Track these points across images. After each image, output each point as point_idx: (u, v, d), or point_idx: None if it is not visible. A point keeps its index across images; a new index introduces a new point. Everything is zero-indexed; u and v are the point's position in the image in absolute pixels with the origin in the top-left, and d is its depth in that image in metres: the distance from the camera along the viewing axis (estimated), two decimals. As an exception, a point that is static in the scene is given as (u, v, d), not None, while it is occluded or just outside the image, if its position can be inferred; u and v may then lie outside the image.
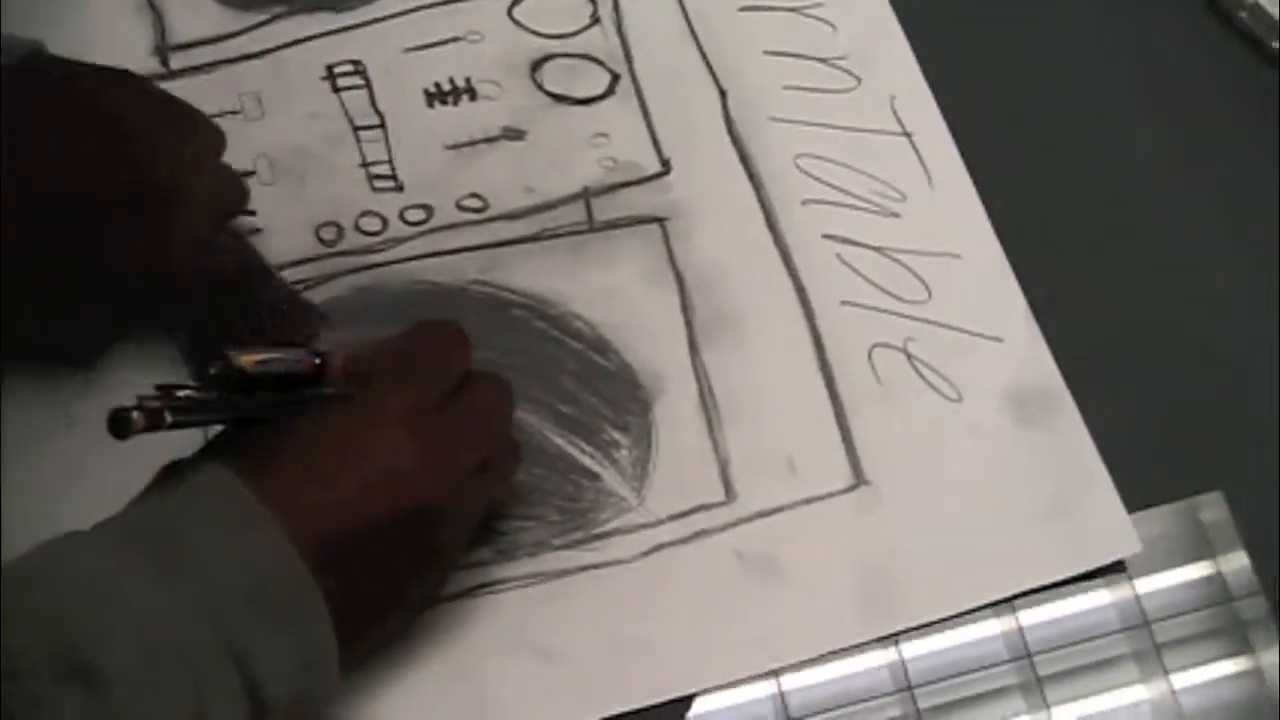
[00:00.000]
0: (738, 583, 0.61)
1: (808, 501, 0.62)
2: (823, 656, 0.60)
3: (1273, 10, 0.71)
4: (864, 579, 0.61)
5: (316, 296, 0.66)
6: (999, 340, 0.66)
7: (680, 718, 0.59)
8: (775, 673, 0.60)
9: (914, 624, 0.60)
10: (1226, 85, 0.72)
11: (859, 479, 0.63)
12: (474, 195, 0.69)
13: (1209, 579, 0.62)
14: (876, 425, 0.64)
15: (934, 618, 0.60)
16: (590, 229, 0.68)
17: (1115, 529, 0.62)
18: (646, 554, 0.61)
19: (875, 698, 0.60)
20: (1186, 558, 0.63)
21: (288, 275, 0.66)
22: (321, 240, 0.67)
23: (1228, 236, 0.69)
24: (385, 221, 0.68)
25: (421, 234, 0.68)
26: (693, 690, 0.59)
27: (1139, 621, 0.61)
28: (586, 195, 0.69)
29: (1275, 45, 0.72)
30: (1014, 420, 0.64)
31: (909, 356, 0.65)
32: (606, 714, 0.58)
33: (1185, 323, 0.67)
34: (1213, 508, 0.63)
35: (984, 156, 0.70)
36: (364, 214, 0.68)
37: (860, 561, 0.61)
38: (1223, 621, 0.62)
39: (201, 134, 0.61)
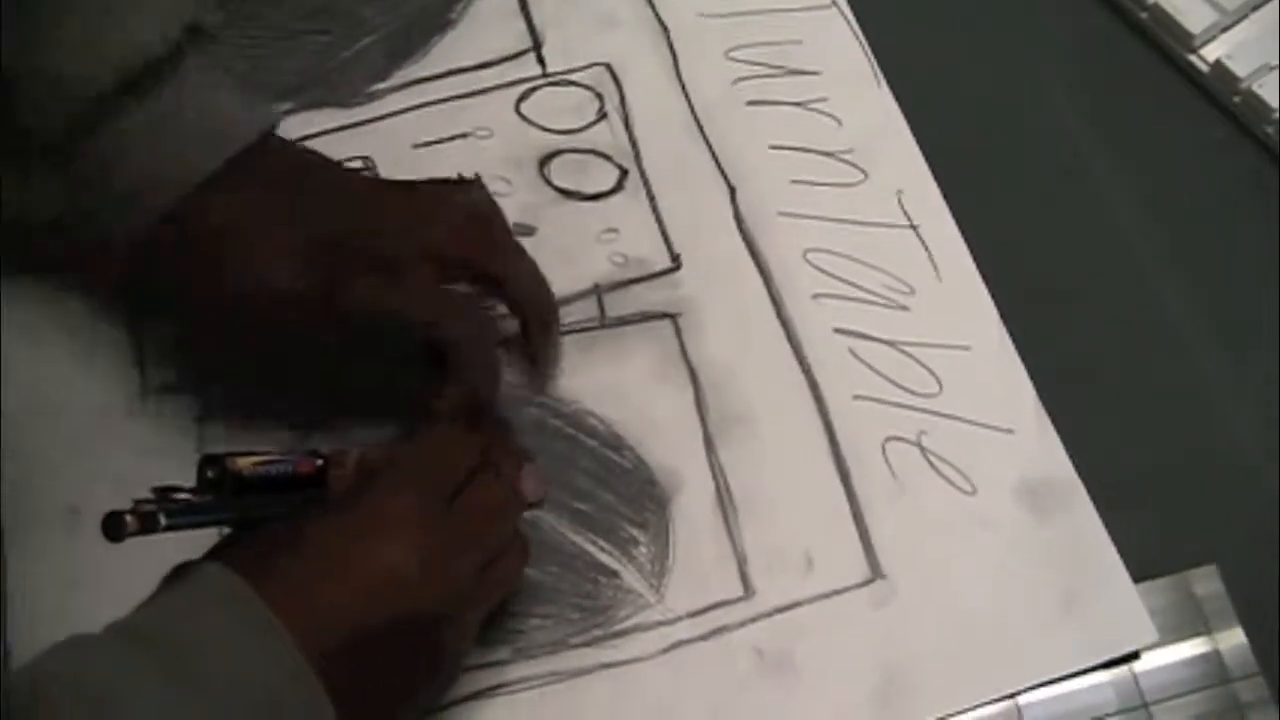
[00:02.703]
0: (756, 680, 0.61)
1: (825, 596, 0.62)
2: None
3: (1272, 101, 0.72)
4: (880, 675, 0.61)
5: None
6: (1010, 431, 0.66)
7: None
8: None
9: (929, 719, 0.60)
10: (1235, 185, 0.73)
11: (875, 573, 0.63)
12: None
13: (1206, 657, 0.62)
14: (892, 519, 0.64)
15: (948, 712, 0.60)
16: (602, 325, 0.69)
17: (1130, 618, 0.62)
18: (665, 651, 0.61)
19: None
20: (1183, 633, 0.63)
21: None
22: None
23: (1228, 327, 0.69)
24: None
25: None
26: (712, 788, 0.59)
27: (1137, 703, 0.61)
28: (598, 291, 0.70)
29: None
30: (1027, 511, 0.64)
31: (922, 450, 0.66)
32: (628, 818, 0.58)
33: (1182, 394, 0.68)
34: (1207, 581, 0.63)
35: (990, 248, 0.71)
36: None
37: (877, 657, 0.61)
38: (1222, 704, 0.62)
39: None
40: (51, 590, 0.63)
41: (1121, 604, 0.62)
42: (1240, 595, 0.63)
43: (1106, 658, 0.61)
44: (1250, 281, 0.70)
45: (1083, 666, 0.61)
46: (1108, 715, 0.62)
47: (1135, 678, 0.61)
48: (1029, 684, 0.61)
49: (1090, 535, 0.64)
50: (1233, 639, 0.62)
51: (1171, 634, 0.63)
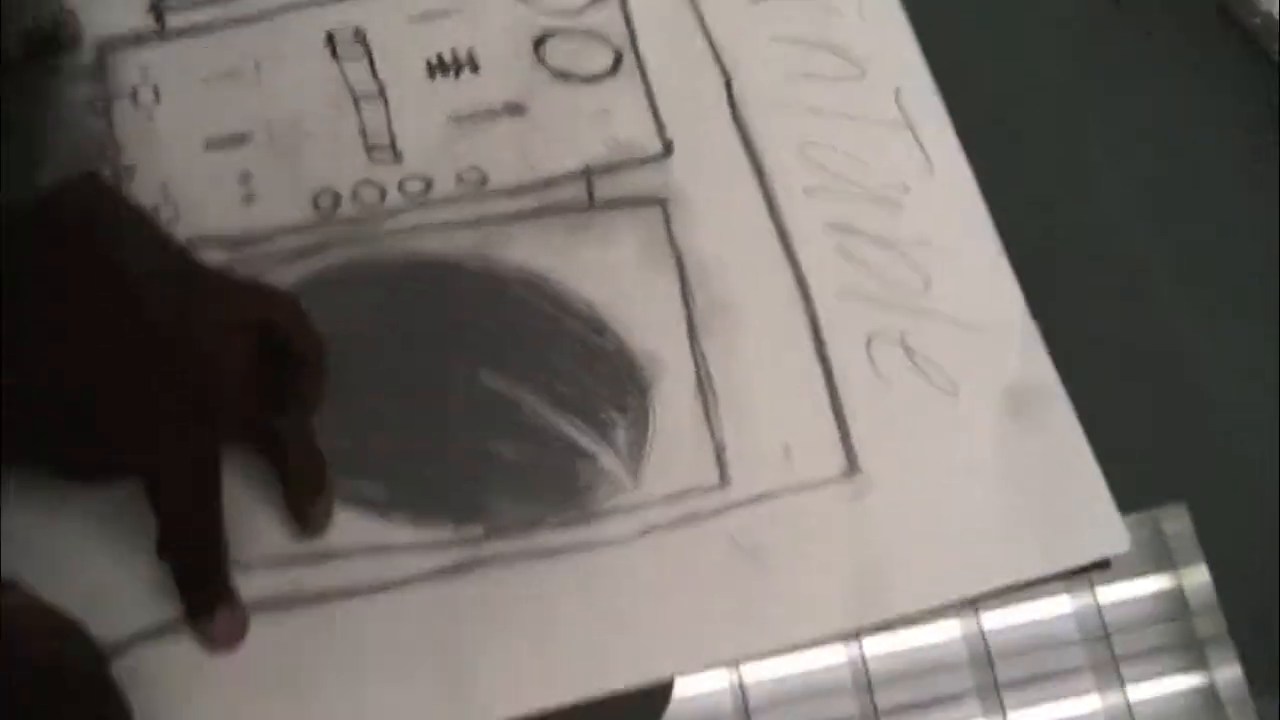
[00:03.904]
0: (729, 567, 0.61)
1: (801, 489, 0.62)
2: (811, 643, 0.60)
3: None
4: (854, 568, 0.61)
5: (310, 266, 0.66)
6: (995, 335, 0.66)
7: (665, 701, 0.59)
8: (736, 664, 0.60)
9: (902, 614, 0.60)
10: (1230, 103, 0.72)
11: (853, 468, 0.63)
12: (474, 168, 0.68)
13: (1169, 592, 0.63)
14: (872, 415, 0.64)
15: (921, 608, 0.60)
16: (590, 207, 0.68)
17: (1105, 526, 0.62)
18: (640, 535, 0.61)
19: (834, 694, 0.60)
20: (1148, 568, 0.63)
21: (282, 243, 0.66)
22: (318, 208, 0.67)
23: (1218, 258, 0.69)
24: (383, 192, 0.67)
25: (419, 206, 0.67)
26: (681, 673, 0.59)
27: (1099, 633, 0.62)
28: (588, 174, 0.69)
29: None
30: (1008, 415, 0.64)
31: (907, 349, 0.65)
32: (593, 694, 0.58)
33: (1164, 334, 0.67)
34: (1176, 519, 0.63)
35: (985, 151, 0.70)
36: (362, 183, 0.67)
37: (851, 550, 0.61)
38: (1181, 637, 0.62)
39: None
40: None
41: (1097, 511, 0.62)
42: (1207, 535, 0.63)
43: (1079, 563, 0.62)
44: (1240, 225, 0.70)
45: (1056, 570, 0.61)
46: (1070, 643, 0.62)
47: (1099, 609, 0.62)
48: (1001, 584, 0.61)
49: (1069, 442, 0.64)
50: (1197, 576, 0.63)
51: (1137, 569, 0.63)
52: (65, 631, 0.53)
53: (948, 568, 0.61)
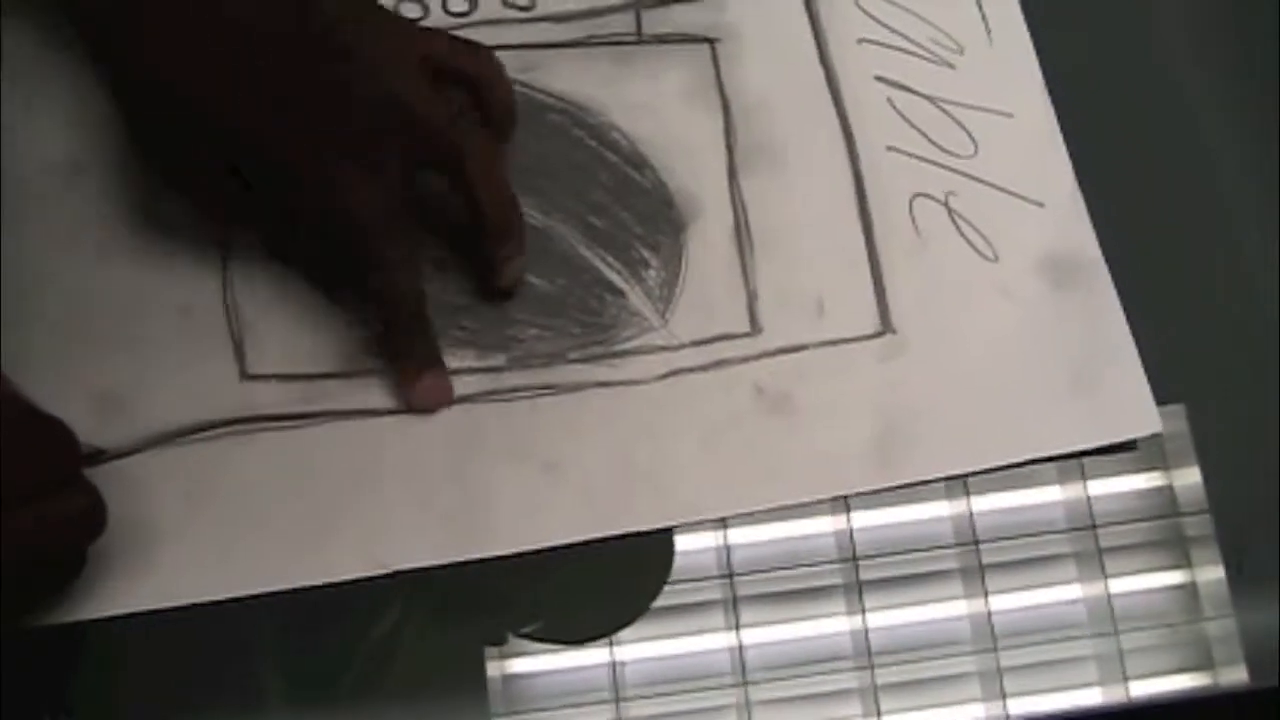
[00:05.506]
0: (753, 416, 0.59)
1: (832, 343, 0.61)
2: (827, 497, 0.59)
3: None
4: (880, 427, 0.59)
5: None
6: (1041, 205, 0.64)
7: (667, 570, 0.59)
8: (723, 525, 0.59)
9: (925, 478, 0.59)
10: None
11: (886, 326, 0.61)
12: (521, -7, 0.66)
13: (1159, 490, 0.62)
14: (909, 275, 0.62)
15: (945, 474, 0.59)
16: (638, 40, 0.66)
17: (1137, 406, 0.61)
18: (664, 377, 0.60)
19: (820, 563, 0.60)
20: (1140, 465, 0.63)
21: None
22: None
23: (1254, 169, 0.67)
24: (426, 8, 0.65)
25: (463, 26, 0.65)
26: (695, 519, 0.58)
27: (1086, 523, 0.61)
28: (638, 6, 0.67)
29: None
30: (1048, 285, 0.63)
31: (950, 210, 0.64)
32: (605, 534, 0.57)
33: (1182, 233, 0.66)
34: (1173, 419, 0.62)
35: (1046, 18, 0.68)
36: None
37: (878, 409, 0.60)
38: (1167, 535, 0.62)
39: None
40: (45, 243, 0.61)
41: (1130, 389, 0.61)
42: (1202, 438, 0.62)
43: (1107, 441, 0.60)
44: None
45: (1083, 447, 0.60)
46: (1055, 531, 0.61)
47: (1088, 500, 0.61)
48: (1026, 457, 0.59)
49: (1108, 317, 0.62)
50: (1188, 477, 0.62)
51: (1130, 465, 0.62)
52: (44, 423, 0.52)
53: (973, 436, 0.59)
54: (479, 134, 0.59)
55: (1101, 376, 0.61)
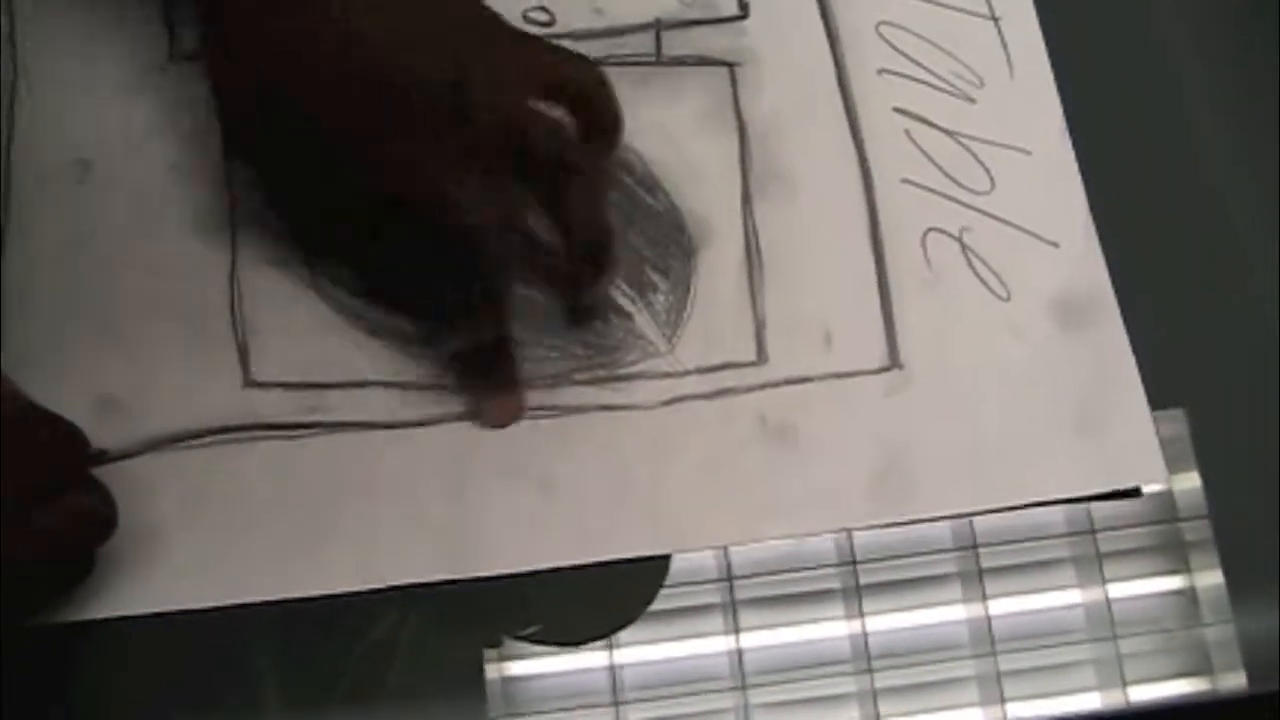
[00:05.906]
0: (755, 446, 0.59)
1: (839, 376, 0.61)
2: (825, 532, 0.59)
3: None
4: (882, 462, 0.59)
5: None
6: (1055, 245, 0.64)
7: (663, 573, 0.58)
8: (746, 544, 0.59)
9: (924, 517, 0.59)
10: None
11: (893, 361, 0.61)
12: (541, 9, 0.66)
13: (1159, 495, 0.62)
14: (919, 310, 0.62)
15: (944, 514, 0.59)
16: (657, 62, 0.66)
17: (1143, 453, 0.60)
18: (667, 403, 0.60)
19: (819, 567, 0.60)
20: None
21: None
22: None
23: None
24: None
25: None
26: (690, 548, 0.58)
27: (1085, 528, 0.61)
28: (658, 27, 0.66)
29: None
30: (1058, 326, 0.62)
31: (963, 246, 0.63)
32: (599, 559, 0.57)
33: (1182, 236, 0.65)
34: (1173, 423, 0.62)
35: (1069, 55, 0.67)
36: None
37: (880, 444, 0.59)
38: (1166, 540, 0.62)
39: None
40: (51, 245, 0.61)
41: (1136, 435, 0.60)
42: (1202, 442, 0.62)
43: (1111, 488, 0.60)
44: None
45: (1085, 493, 0.59)
46: (1053, 535, 0.61)
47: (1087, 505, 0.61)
48: (1027, 501, 0.59)
49: (1117, 360, 0.62)
50: (1188, 482, 0.62)
51: None
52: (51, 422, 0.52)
53: (975, 477, 0.59)
54: (588, 156, 0.57)
55: (1107, 420, 0.61)
